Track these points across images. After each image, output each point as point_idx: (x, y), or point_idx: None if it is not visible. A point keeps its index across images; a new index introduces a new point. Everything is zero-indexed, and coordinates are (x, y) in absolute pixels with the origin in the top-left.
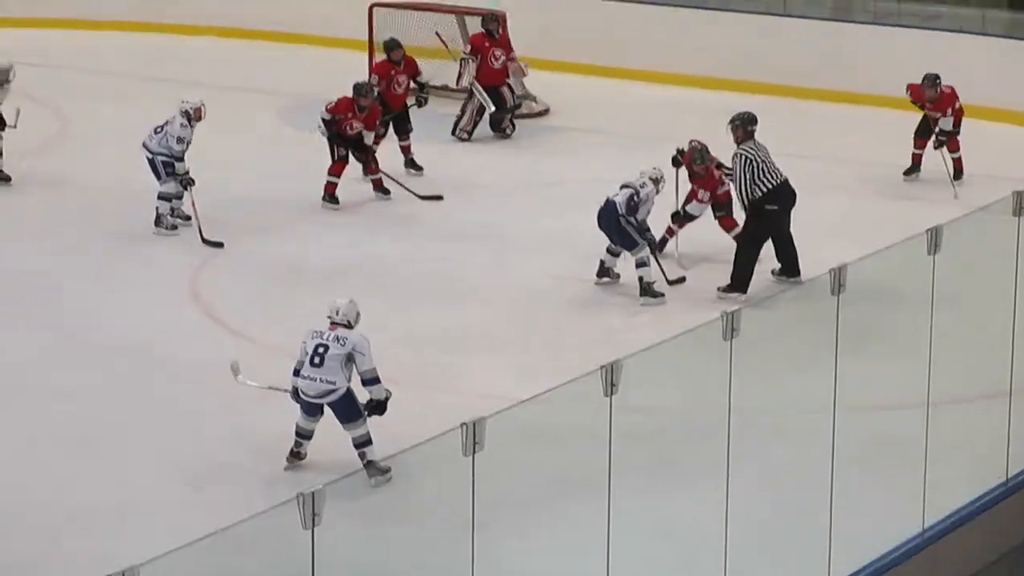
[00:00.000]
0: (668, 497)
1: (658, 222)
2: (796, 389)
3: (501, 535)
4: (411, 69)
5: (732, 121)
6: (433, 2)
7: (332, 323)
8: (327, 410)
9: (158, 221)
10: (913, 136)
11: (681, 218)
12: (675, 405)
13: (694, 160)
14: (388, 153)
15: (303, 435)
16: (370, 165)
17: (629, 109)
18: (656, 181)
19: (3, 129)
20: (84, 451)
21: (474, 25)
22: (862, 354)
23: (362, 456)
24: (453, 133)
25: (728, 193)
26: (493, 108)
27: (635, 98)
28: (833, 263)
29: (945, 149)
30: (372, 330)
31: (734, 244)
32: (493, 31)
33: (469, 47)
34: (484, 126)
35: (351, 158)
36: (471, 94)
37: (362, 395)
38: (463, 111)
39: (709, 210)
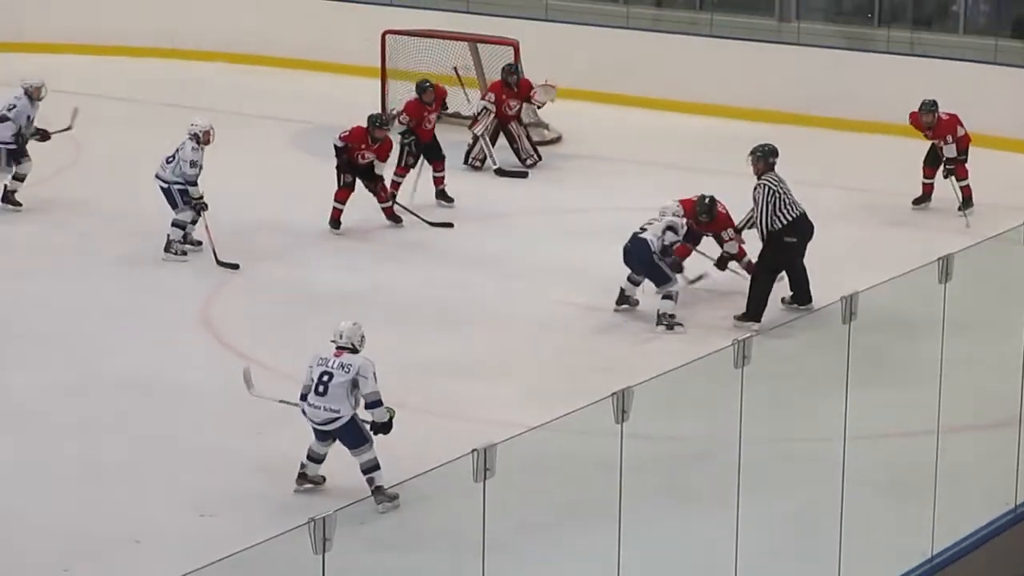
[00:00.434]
0: (679, 525)
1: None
2: (807, 417)
3: (512, 561)
4: (440, 102)
5: (753, 152)
6: (446, 30)
7: (337, 347)
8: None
9: (168, 247)
10: (922, 165)
11: (723, 261)
12: (686, 433)
13: (699, 213)
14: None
15: (314, 458)
16: (380, 194)
17: (640, 137)
18: (679, 216)
19: (47, 139)
20: (95, 479)
21: (487, 52)
22: (873, 382)
23: (370, 482)
24: (466, 162)
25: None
26: (497, 165)
27: (647, 126)
28: (844, 291)
29: (953, 178)
30: (382, 356)
31: (734, 273)
32: (512, 83)
33: (490, 96)
34: (503, 155)
35: (359, 185)
36: (487, 126)
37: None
38: (475, 140)
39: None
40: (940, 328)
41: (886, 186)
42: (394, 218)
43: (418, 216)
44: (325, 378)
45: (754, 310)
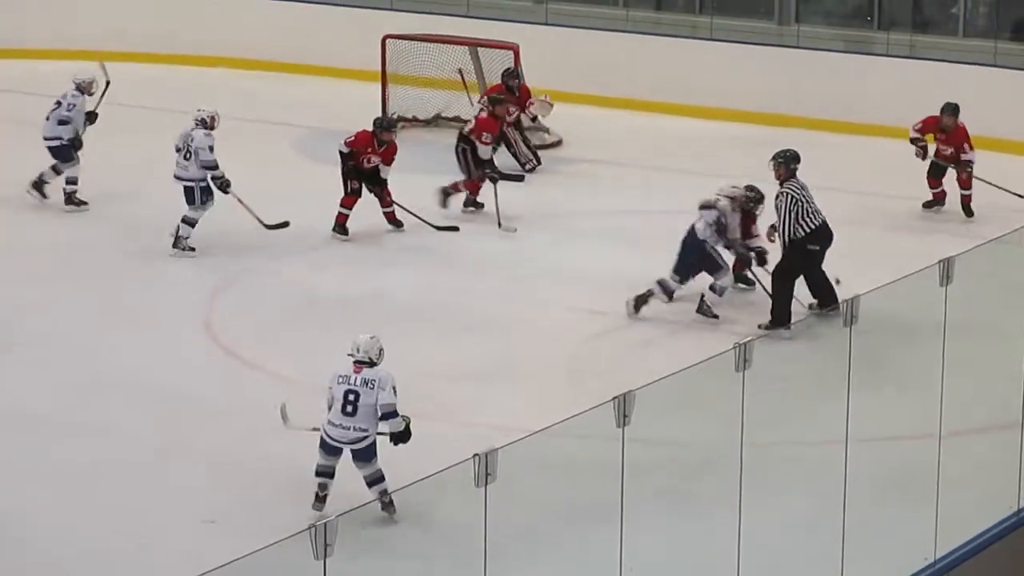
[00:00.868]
0: (681, 528)
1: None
2: (809, 420)
3: (513, 566)
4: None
5: (775, 158)
6: (446, 34)
7: (355, 362)
8: (346, 449)
9: (177, 243)
10: (927, 178)
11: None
12: (688, 436)
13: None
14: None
15: (326, 473)
16: (384, 198)
17: (642, 141)
18: (733, 199)
19: (96, 118)
20: (96, 483)
21: (487, 56)
22: (874, 385)
23: (382, 493)
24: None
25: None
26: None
27: (648, 130)
28: (846, 294)
29: (957, 184)
30: (385, 361)
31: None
32: (514, 88)
33: (487, 100)
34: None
35: (364, 190)
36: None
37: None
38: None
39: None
40: (942, 331)
41: (886, 189)
42: (396, 223)
43: (423, 220)
44: (351, 397)
45: (781, 316)
